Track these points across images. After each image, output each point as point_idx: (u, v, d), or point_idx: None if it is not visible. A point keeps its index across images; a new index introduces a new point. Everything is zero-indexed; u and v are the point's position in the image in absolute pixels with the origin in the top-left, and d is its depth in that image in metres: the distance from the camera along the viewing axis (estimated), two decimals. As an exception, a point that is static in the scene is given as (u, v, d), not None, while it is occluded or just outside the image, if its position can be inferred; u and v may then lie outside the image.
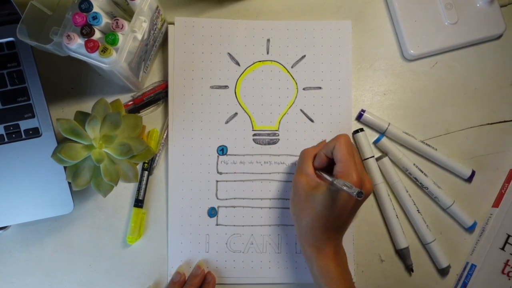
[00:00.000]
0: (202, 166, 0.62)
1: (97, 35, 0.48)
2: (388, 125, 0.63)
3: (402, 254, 0.62)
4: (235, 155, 0.62)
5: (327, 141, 0.60)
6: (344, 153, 0.52)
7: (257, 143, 0.63)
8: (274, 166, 0.63)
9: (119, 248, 0.61)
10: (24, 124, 0.57)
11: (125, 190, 0.62)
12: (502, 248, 0.62)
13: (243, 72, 0.64)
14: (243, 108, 0.63)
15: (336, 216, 0.52)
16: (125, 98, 0.63)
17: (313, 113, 0.64)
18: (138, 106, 0.63)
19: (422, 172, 0.63)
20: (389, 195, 0.63)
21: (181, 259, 0.61)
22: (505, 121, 0.66)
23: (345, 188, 0.46)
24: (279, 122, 0.63)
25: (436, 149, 0.64)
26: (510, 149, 0.66)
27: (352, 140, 0.55)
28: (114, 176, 0.52)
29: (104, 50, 0.47)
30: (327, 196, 0.52)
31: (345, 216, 0.53)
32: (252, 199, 0.62)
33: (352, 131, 0.64)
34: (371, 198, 0.63)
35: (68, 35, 0.47)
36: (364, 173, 0.54)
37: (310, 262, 0.55)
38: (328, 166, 0.56)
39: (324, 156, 0.55)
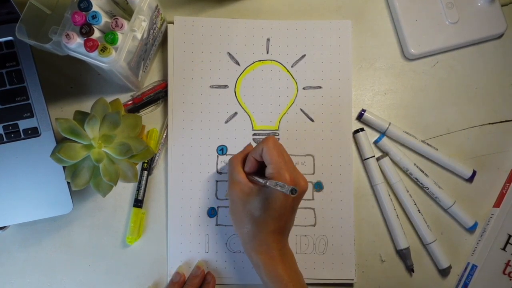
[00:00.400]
0: (202, 166, 0.62)
1: (97, 34, 0.48)
2: (389, 125, 0.63)
3: (403, 255, 0.62)
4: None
5: (252, 144, 0.61)
6: (273, 154, 0.52)
7: (257, 143, 0.63)
8: (274, 166, 0.62)
9: (119, 248, 0.61)
10: (23, 124, 0.57)
11: (125, 190, 0.62)
12: (503, 249, 0.62)
13: (243, 72, 0.64)
14: (243, 108, 0.63)
15: (276, 218, 0.52)
16: (125, 98, 0.63)
17: (313, 112, 0.64)
18: (138, 105, 0.63)
19: (423, 172, 0.63)
20: (389, 195, 0.63)
21: (181, 259, 0.61)
22: (506, 121, 0.66)
23: (278, 187, 0.46)
24: (279, 122, 0.63)
25: (437, 149, 0.64)
26: (511, 149, 0.66)
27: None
28: (113, 176, 0.52)
29: (103, 50, 0.47)
30: (262, 199, 0.51)
31: (285, 217, 0.53)
32: (252, 199, 0.62)
33: (352, 131, 0.64)
34: (371, 198, 0.63)
35: (67, 34, 0.47)
36: (296, 171, 0.54)
37: (257, 268, 0.54)
38: (260, 169, 0.56)
39: (253, 159, 0.55)
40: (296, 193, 0.44)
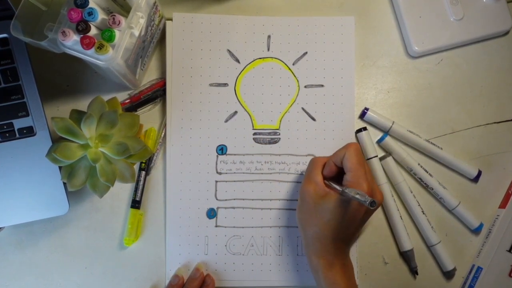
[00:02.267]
0: (201, 166, 0.62)
1: (93, 31, 0.48)
2: (392, 124, 0.63)
3: (407, 257, 0.62)
4: (234, 154, 0.62)
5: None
6: (354, 162, 0.53)
7: (257, 142, 0.63)
8: (275, 165, 0.63)
9: (116, 250, 0.61)
10: (18, 123, 0.56)
11: (122, 191, 0.62)
12: (509, 251, 0.62)
13: (243, 70, 0.64)
14: (243, 107, 0.63)
15: (345, 227, 0.53)
16: (122, 96, 0.63)
17: (315, 111, 0.64)
18: (135, 104, 0.62)
19: (427, 172, 0.63)
20: (393, 196, 0.63)
21: (180, 262, 0.61)
22: (512, 120, 0.66)
23: (357, 196, 0.46)
24: (280, 121, 0.63)
25: (441, 149, 0.64)
26: (518, 149, 0.66)
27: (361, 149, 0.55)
28: (110, 176, 0.52)
29: (100, 47, 0.47)
30: (336, 205, 0.52)
31: (353, 227, 0.54)
32: (252, 199, 0.62)
33: (355, 130, 0.64)
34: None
35: (63, 32, 0.47)
36: (374, 183, 0.55)
37: (316, 273, 0.55)
38: (337, 176, 0.56)
39: (333, 164, 0.55)
40: (375, 206, 0.45)
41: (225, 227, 0.62)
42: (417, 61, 0.66)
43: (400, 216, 0.62)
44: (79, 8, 0.47)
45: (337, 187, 0.52)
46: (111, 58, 0.48)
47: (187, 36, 0.63)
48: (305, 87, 0.64)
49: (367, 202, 0.45)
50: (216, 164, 0.62)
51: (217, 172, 0.62)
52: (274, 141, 0.63)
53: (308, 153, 0.63)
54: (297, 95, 0.64)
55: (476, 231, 0.64)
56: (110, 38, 0.48)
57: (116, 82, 0.62)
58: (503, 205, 0.65)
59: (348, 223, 0.52)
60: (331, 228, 0.52)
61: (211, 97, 0.63)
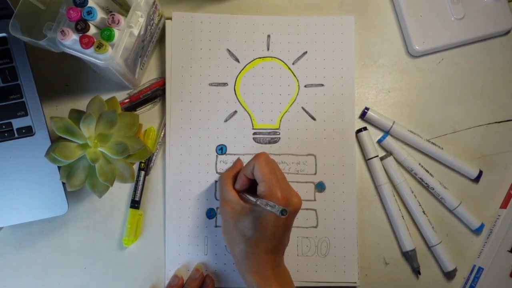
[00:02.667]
0: (201, 166, 0.62)
1: (92, 30, 0.48)
2: (393, 124, 0.63)
3: (409, 257, 0.62)
4: (234, 154, 0.62)
5: (242, 159, 0.60)
6: (265, 171, 0.52)
7: (257, 142, 0.63)
8: (275, 166, 0.63)
9: (115, 250, 0.61)
10: (17, 123, 0.57)
11: (121, 191, 0.62)
12: (511, 251, 0.62)
13: (242, 69, 0.64)
14: (242, 106, 0.63)
15: (269, 237, 0.52)
16: (121, 96, 0.63)
17: (315, 111, 0.64)
18: (135, 104, 0.63)
19: (428, 172, 0.63)
20: (394, 196, 0.63)
21: (179, 262, 0.61)
22: (513, 120, 0.66)
23: (268, 208, 0.46)
24: (280, 121, 0.63)
25: (442, 148, 0.64)
26: (519, 149, 0.66)
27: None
28: (109, 176, 0.52)
29: (99, 46, 0.47)
30: (254, 218, 0.51)
31: (278, 235, 0.53)
32: (252, 200, 0.62)
33: (355, 130, 0.64)
34: (375, 199, 0.63)
35: (62, 31, 0.47)
36: (289, 188, 0.54)
37: None
38: (252, 187, 0.55)
39: (244, 177, 0.55)
40: (287, 214, 0.44)
41: (225, 227, 0.62)
42: (417, 60, 0.67)
43: (402, 216, 0.62)
44: (78, 7, 0.47)
45: (252, 198, 0.52)
46: (110, 58, 0.48)
47: (186, 36, 0.63)
48: (305, 86, 0.64)
49: (278, 212, 0.45)
50: (216, 164, 0.62)
51: (216, 172, 0.62)
52: (274, 141, 0.63)
53: (308, 152, 0.63)
54: (297, 94, 0.64)
55: (477, 231, 0.64)
56: (109, 38, 0.48)
57: (115, 81, 0.62)
58: (504, 205, 0.65)
59: (272, 233, 0.52)
60: (256, 241, 0.52)
61: (210, 97, 0.63)
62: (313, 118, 0.64)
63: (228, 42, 0.64)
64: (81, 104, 0.62)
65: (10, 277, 0.60)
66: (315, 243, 0.62)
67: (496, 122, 0.66)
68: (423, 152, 0.64)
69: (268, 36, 0.64)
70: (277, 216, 0.50)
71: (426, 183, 0.63)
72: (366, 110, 0.64)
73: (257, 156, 0.54)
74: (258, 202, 0.49)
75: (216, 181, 0.62)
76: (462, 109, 0.66)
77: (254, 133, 0.63)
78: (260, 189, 0.52)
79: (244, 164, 0.60)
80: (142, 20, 0.51)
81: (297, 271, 0.61)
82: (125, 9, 0.54)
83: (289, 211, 0.48)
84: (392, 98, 0.66)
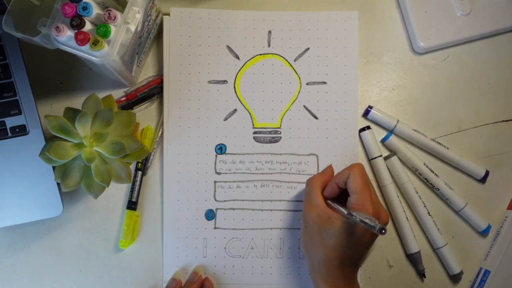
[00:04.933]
0: (199, 165, 0.62)
1: (88, 26, 0.48)
2: (397, 122, 0.63)
3: (414, 259, 0.62)
4: (234, 154, 0.62)
5: (334, 167, 0.60)
6: (359, 184, 0.52)
7: (257, 142, 0.63)
8: (275, 165, 0.63)
9: (111, 253, 0.61)
10: (10, 121, 0.56)
11: (118, 192, 0.62)
12: (518, 253, 0.62)
13: (243, 66, 0.64)
14: (243, 104, 0.63)
15: (352, 251, 0.52)
16: (118, 94, 0.63)
17: (317, 109, 0.64)
18: (132, 102, 0.62)
19: (433, 172, 0.63)
20: (398, 197, 0.63)
21: (177, 265, 0.61)
22: (521, 118, 0.66)
23: (366, 221, 0.46)
24: (281, 119, 0.63)
25: (447, 148, 0.64)
26: (527, 148, 0.66)
27: (366, 170, 0.55)
28: (105, 177, 0.52)
29: (95, 43, 0.47)
30: (341, 230, 0.51)
31: (360, 251, 0.53)
32: (253, 200, 0.62)
33: (358, 129, 0.64)
34: (379, 199, 0.63)
35: (57, 27, 0.47)
36: (379, 204, 0.55)
37: None
38: (339, 196, 0.56)
39: (336, 186, 0.55)
40: (385, 233, 0.44)
41: (224, 229, 0.62)
42: (422, 57, 0.66)
43: (407, 218, 0.62)
44: (73, 3, 0.47)
45: (343, 210, 0.52)
46: (106, 55, 0.48)
47: (185, 32, 0.63)
48: (307, 84, 0.64)
49: (377, 229, 0.44)
50: (215, 164, 0.62)
51: (216, 172, 0.62)
52: (275, 140, 0.63)
53: (310, 152, 0.63)
54: (299, 92, 0.64)
55: (484, 233, 0.64)
56: (106, 34, 0.48)
57: (111, 79, 0.62)
58: (511, 206, 0.64)
59: (355, 247, 0.52)
60: (338, 253, 0.52)
61: (210, 95, 0.63)
62: (315, 117, 0.63)
63: (227, 38, 0.64)
64: (77, 102, 0.62)
65: (3, 280, 0.60)
66: (317, 245, 0.62)
67: (503, 121, 0.66)
68: (428, 151, 0.64)
69: (269, 32, 0.64)
70: (364, 231, 0.51)
71: (431, 184, 0.63)
72: (369, 109, 0.64)
73: (353, 167, 0.54)
74: (354, 214, 0.48)
75: (215, 182, 0.62)
76: (468, 108, 0.66)
77: (255, 132, 0.63)
78: (352, 201, 0.52)
79: (335, 172, 0.59)
80: (139, 16, 0.51)
81: (298, 274, 0.61)
82: (122, 5, 0.53)
83: (361, 233, 0.50)
84: (396, 96, 0.66)
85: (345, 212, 0.51)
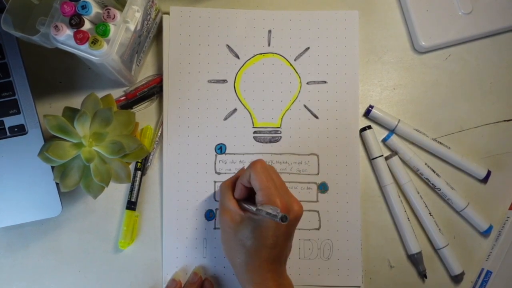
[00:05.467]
0: (199, 165, 0.62)
1: (87, 25, 0.48)
2: (398, 122, 0.63)
3: (415, 260, 0.62)
4: (234, 154, 0.62)
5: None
6: (262, 179, 0.52)
7: (258, 141, 0.63)
8: (276, 165, 0.63)
9: (110, 253, 0.61)
10: (9, 121, 0.56)
11: (117, 192, 0.62)
12: (520, 254, 0.62)
13: (243, 65, 0.64)
14: (243, 104, 0.63)
15: (269, 247, 0.51)
16: (117, 93, 0.63)
17: (317, 109, 0.64)
18: (131, 101, 0.62)
19: (434, 172, 0.63)
20: (399, 197, 0.63)
21: (177, 265, 0.61)
22: (523, 118, 0.66)
23: (268, 216, 0.46)
24: (282, 119, 0.63)
25: (449, 148, 0.64)
26: (528, 148, 0.66)
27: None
28: (105, 177, 0.52)
29: (94, 42, 0.47)
30: (254, 228, 0.51)
31: (280, 245, 0.52)
32: (253, 201, 0.62)
33: (359, 128, 0.64)
34: (380, 200, 0.63)
35: (56, 26, 0.47)
36: (289, 195, 0.54)
37: None
38: (252, 195, 0.55)
39: (242, 186, 0.55)
40: (287, 221, 0.44)
41: (224, 229, 0.62)
42: (424, 56, 0.66)
43: (408, 218, 0.62)
44: (72, 1, 0.47)
45: (251, 207, 0.52)
46: (105, 54, 0.48)
47: (184, 31, 0.63)
48: (308, 83, 0.64)
49: (278, 218, 0.44)
50: (215, 163, 0.62)
51: (216, 172, 0.62)
52: (275, 140, 0.63)
53: (310, 152, 0.63)
54: (299, 92, 0.64)
55: (485, 233, 0.64)
56: (105, 33, 0.48)
57: (110, 78, 0.62)
58: (513, 206, 0.65)
59: (272, 242, 0.51)
60: (256, 252, 0.51)
61: (209, 94, 0.63)
62: (316, 116, 0.64)
63: (227, 37, 0.64)
64: (76, 101, 0.62)
65: (2, 281, 0.60)
66: (318, 245, 0.62)
67: (505, 121, 0.66)
68: (430, 151, 0.64)
69: (269, 31, 0.64)
70: (278, 224, 0.50)
71: (432, 184, 0.63)
72: (370, 108, 0.64)
73: (252, 164, 0.53)
74: (257, 210, 0.49)
75: (215, 182, 0.62)
76: (469, 107, 0.66)
77: (255, 132, 0.63)
78: (258, 198, 0.52)
79: None
80: (138, 15, 0.51)
81: (299, 274, 0.61)
82: (121, 4, 0.53)
83: (289, 219, 0.48)
84: (397, 96, 0.66)
85: (252, 209, 0.51)
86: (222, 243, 0.57)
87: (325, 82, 0.64)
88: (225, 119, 0.63)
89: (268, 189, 0.51)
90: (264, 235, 0.51)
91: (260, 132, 0.63)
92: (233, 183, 0.57)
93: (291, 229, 0.54)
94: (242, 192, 0.55)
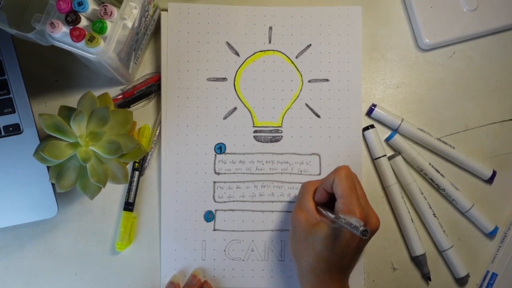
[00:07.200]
0: (198, 165, 0.62)
1: (84, 22, 0.48)
2: (402, 121, 0.63)
3: (419, 262, 0.62)
4: (234, 153, 0.62)
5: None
6: (345, 187, 0.52)
7: (258, 141, 0.63)
8: (276, 165, 0.63)
9: (107, 255, 0.61)
10: (4, 120, 0.56)
11: (114, 192, 0.62)
12: (526, 256, 0.62)
13: (243, 63, 0.64)
14: (243, 103, 0.63)
15: (339, 257, 0.52)
16: (114, 92, 0.63)
17: (319, 107, 0.64)
18: (128, 100, 0.62)
19: (439, 173, 0.63)
20: (403, 198, 0.63)
21: (175, 268, 0.61)
22: (529, 117, 0.66)
23: (349, 225, 0.46)
24: (282, 118, 0.63)
25: (453, 147, 0.64)
26: (535, 147, 0.66)
27: (352, 170, 0.54)
28: (101, 177, 0.52)
29: (91, 39, 0.47)
30: (328, 234, 0.51)
31: (349, 256, 0.53)
32: (253, 201, 0.62)
33: (362, 128, 0.64)
34: (383, 200, 0.63)
35: (52, 23, 0.47)
36: (369, 208, 0.54)
37: None
38: (330, 201, 0.55)
39: (323, 191, 0.55)
40: (367, 236, 0.44)
41: (224, 230, 0.62)
42: (428, 54, 0.66)
43: (411, 219, 0.62)
44: (68, -2, 0.47)
45: (329, 214, 0.52)
46: (102, 51, 0.48)
47: (183, 28, 0.63)
48: (309, 81, 0.64)
49: (359, 232, 0.44)
50: (214, 163, 0.62)
51: (215, 172, 0.62)
52: (276, 139, 0.63)
53: (312, 152, 0.63)
54: (301, 90, 0.64)
55: (491, 235, 0.64)
56: (102, 30, 0.48)
57: (107, 76, 0.62)
58: (519, 207, 0.65)
59: (343, 253, 0.52)
60: (325, 259, 0.52)
61: (209, 93, 0.63)
62: (318, 115, 0.63)
63: (227, 34, 0.64)
64: (72, 100, 0.62)
65: (-4, 283, 0.60)
66: (320, 247, 0.62)
67: (510, 120, 0.66)
68: (434, 151, 0.64)
69: (270, 28, 0.64)
70: (353, 235, 0.51)
71: (436, 184, 0.63)
72: (373, 107, 0.64)
73: (338, 170, 0.53)
74: (337, 218, 0.49)
75: (214, 182, 0.62)
76: (474, 106, 0.66)
77: (255, 131, 0.63)
78: (339, 205, 0.52)
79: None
80: (136, 12, 0.50)
81: (300, 277, 0.61)
82: (118, 0, 0.53)
83: (348, 237, 0.50)
84: (400, 94, 0.66)
85: (332, 216, 0.51)
86: (291, 243, 0.57)
87: (327, 80, 0.64)
88: (225, 118, 0.63)
89: (350, 198, 0.51)
90: (337, 244, 0.51)
91: (260, 131, 0.63)
92: (315, 185, 0.57)
93: (364, 243, 0.55)
94: (323, 196, 0.55)
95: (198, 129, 0.62)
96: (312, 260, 0.53)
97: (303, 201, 0.56)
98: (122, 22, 0.49)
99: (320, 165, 0.63)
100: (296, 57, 0.64)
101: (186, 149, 0.62)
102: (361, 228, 0.44)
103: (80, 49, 0.48)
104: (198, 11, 0.64)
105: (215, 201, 0.62)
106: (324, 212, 0.53)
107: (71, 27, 0.47)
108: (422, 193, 0.63)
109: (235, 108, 0.63)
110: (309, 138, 0.63)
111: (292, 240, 0.57)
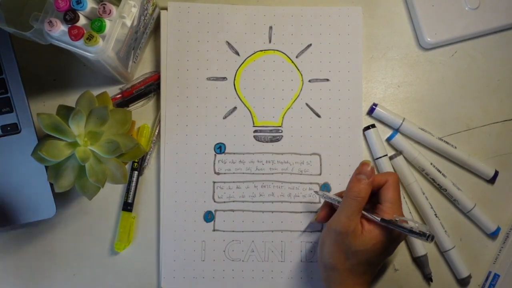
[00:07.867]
0: (198, 165, 0.62)
1: (82, 21, 0.48)
2: (403, 121, 0.63)
3: (420, 262, 0.62)
4: (234, 153, 0.62)
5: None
6: (396, 194, 0.53)
7: (258, 141, 0.63)
8: (277, 165, 0.62)
9: (106, 256, 0.61)
10: (2, 120, 0.56)
11: (113, 192, 0.62)
12: (528, 256, 0.62)
13: (243, 63, 0.64)
14: (243, 102, 0.63)
15: (378, 260, 0.54)
16: (113, 91, 0.63)
17: (320, 107, 0.64)
18: (127, 99, 0.62)
19: (440, 172, 0.63)
20: (404, 198, 0.62)
21: (174, 268, 0.61)
22: (531, 116, 0.66)
23: (413, 234, 0.47)
24: (283, 118, 0.63)
25: (455, 147, 0.64)
26: (537, 147, 0.66)
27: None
28: (100, 177, 0.52)
29: (89, 38, 0.47)
30: (373, 238, 0.52)
31: (383, 259, 0.54)
32: (253, 202, 0.62)
33: (362, 127, 0.64)
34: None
35: (50, 21, 0.47)
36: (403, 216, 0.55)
37: None
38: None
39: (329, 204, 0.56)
40: (433, 241, 0.46)
41: (224, 231, 0.62)
42: (429, 53, 0.66)
43: (413, 219, 0.62)
44: (66, -4, 0.47)
45: (376, 217, 0.51)
46: (101, 50, 0.48)
47: (183, 27, 0.63)
48: (310, 81, 0.64)
49: (425, 237, 0.45)
50: (214, 163, 0.62)
51: (215, 172, 0.62)
52: (276, 139, 0.63)
53: (312, 152, 0.63)
54: (301, 90, 0.64)
55: (493, 235, 0.64)
56: (100, 29, 0.48)
57: (106, 75, 0.62)
58: (521, 207, 0.65)
59: (381, 256, 0.53)
60: (363, 261, 0.52)
61: (208, 92, 0.63)
62: (318, 115, 0.63)
63: (227, 34, 0.64)
64: (70, 99, 0.62)
65: (-6, 284, 0.60)
66: (320, 248, 0.62)
67: (513, 119, 0.66)
68: (435, 151, 0.64)
69: (270, 27, 0.64)
70: (388, 241, 0.52)
71: (438, 184, 0.63)
72: (374, 106, 0.64)
73: (392, 174, 0.55)
74: (397, 222, 0.49)
75: (214, 182, 0.62)
76: (477, 105, 0.66)
77: (255, 131, 0.63)
78: (384, 209, 0.52)
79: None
80: (135, 10, 0.51)
81: (300, 278, 0.61)
82: (117, -2, 0.54)
83: (400, 240, 0.53)
84: (402, 94, 0.66)
85: (377, 219, 0.51)
86: (324, 242, 0.55)
87: (327, 79, 0.64)
88: (225, 117, 0.63)
89: (396, 204, 0.53)
90: (372, 248, 0.52)
91: (260, 131, 0.63)
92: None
93: (394, 248, 0.55)
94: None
95: (197, 129, 0.62)
96: (349, 262, 0.52)
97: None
98: (121, 21, 0.49)
99: (320, 165, 0.63)
100: (297, 57, 0.64)
101: (186, 149, 0.62)
102: (428, 233, 0.45)
103: (78, 47, 0.48)
104: (198, 10, 0.64)
105: (214, 201, 0.62)
106: (365, 214, 0.53)
107: (70, 25, 0.47)
108: (423, 193, 0.63)
109: (235, 108, 0.63)
110: (310, 138, 0.63)
111: (327, 241, 0.55)
